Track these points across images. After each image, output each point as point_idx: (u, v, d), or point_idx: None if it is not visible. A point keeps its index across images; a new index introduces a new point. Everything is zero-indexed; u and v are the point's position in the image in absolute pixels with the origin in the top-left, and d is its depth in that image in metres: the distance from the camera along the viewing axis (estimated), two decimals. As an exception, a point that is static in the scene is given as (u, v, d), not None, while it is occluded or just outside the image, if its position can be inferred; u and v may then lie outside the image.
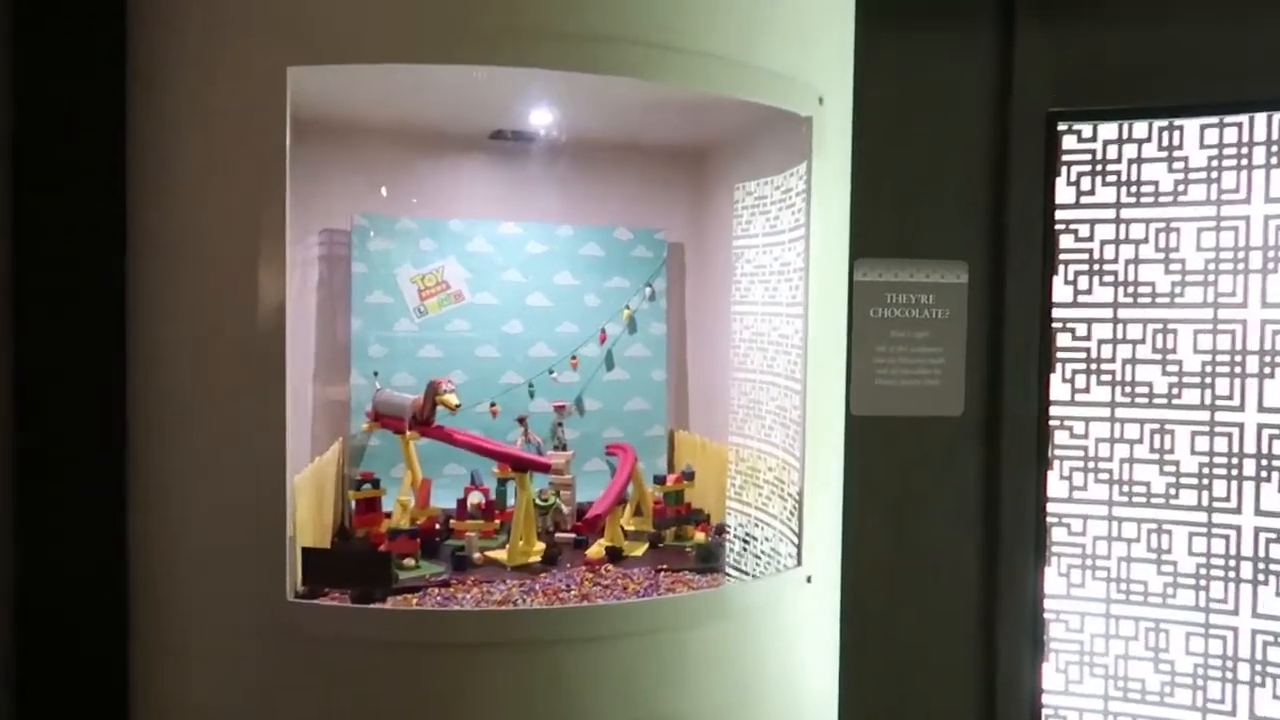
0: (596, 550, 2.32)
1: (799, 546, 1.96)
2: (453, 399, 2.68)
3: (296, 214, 1.75)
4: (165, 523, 1.79)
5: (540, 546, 2.29)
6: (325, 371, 3.03)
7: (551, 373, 3.02)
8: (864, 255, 2.58)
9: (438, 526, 2.41)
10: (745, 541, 2.31)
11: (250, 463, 1.70)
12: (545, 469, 2.60)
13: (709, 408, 2.98)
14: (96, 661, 2.19)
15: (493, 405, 3.13)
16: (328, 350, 3.05)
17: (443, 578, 2.11)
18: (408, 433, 2.78)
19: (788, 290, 2.12)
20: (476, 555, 2.23)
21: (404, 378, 3.06)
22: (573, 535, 2.45)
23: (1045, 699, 2.81)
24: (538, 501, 2.70)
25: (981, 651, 2.68)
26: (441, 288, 2.86)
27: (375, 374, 3.00)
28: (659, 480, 2.62)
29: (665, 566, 2.23)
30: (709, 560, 2.55)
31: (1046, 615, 2.80)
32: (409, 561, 2.18)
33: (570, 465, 2.76)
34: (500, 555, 2.26)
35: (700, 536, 2.49)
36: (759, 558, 2.29)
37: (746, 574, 2.25)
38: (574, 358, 3.08)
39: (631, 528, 2.60)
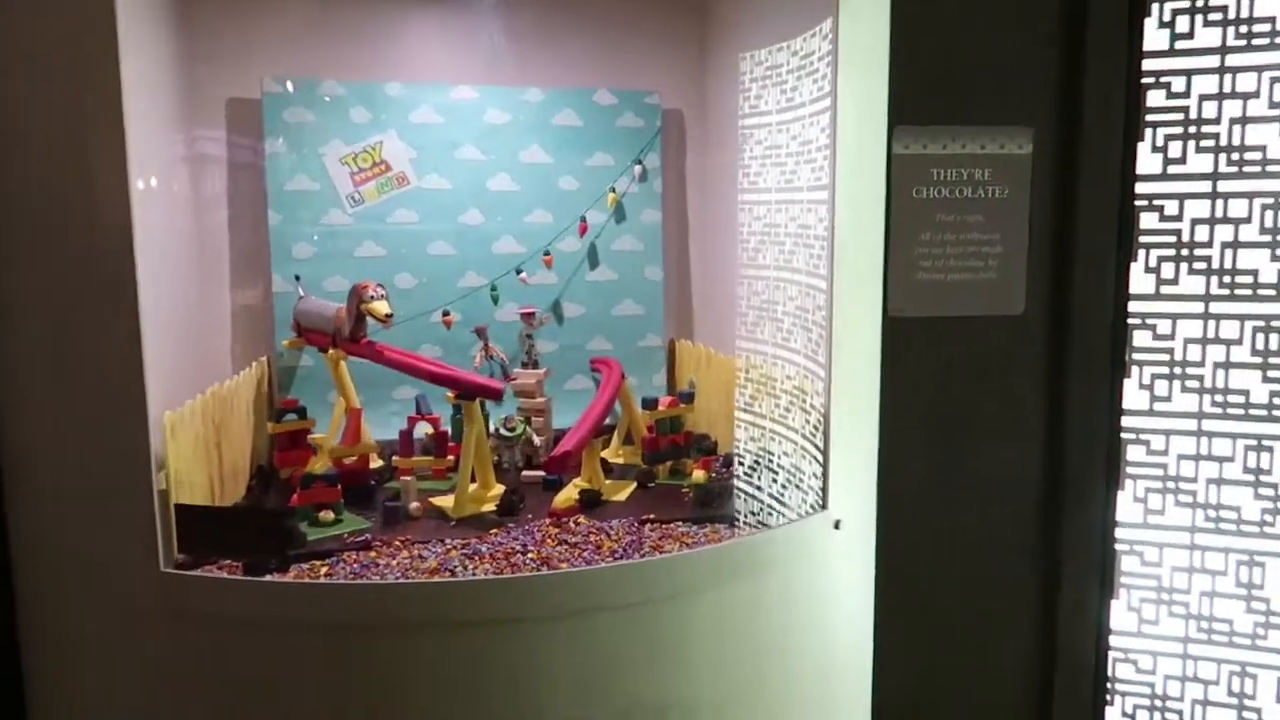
0: (566, 496, 1.81)
1: (824, 486, 1.49)
2: (381, 307, 2.13)
3: (188, 83, 1.32)
4: (35, 490, 1.46)
5: (497, 491, 1.77)
6: (242, 277, 2.49)
7: (520, 272, 2.48)
8: (905, 123, 1.97)
9: (374, 467, 1.90)
10: (755, 475, 1.79)
11: (104, 399, 1.38)
12: (495, 395, 2.07)
13: (715, 313, 2.50)
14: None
15: (446, 315, 2.58)
16: (243, 252, 2.50)
17: (364, 536, 1.60)
18: (332, 350, 2.24)
19: (809, 173, 1.78)
20: (414, 505, 1.72)
21: (337, 282, 2.51)
22: (542, 475, 1.92)
23: (1114, 640, 2.31)
24: (503, 431, 2.18)
25: (1041, 589, 2.18)
26: (380, 169, 2.30)
27: (297, 278, 2.45)
28: (649, 404, 2.07)
29: (651, 517, 1.72)
30: (709, 506, 2.05)
31: (1118, 547, 2.28)
32: (326, 515, 1.67)
33: (544, 385, 2.22)
34: (445, 503, 1.74)
35: (700, 475, 1.96)
36: (776, 498, 1.76)
37: (759, 521, 1.74)
38: (547, 254, 2.50)
39: (620, 460, 2.07)
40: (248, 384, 2.15)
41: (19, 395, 1.40)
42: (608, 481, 2.05)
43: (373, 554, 1.65)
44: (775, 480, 1.89)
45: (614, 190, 2.55)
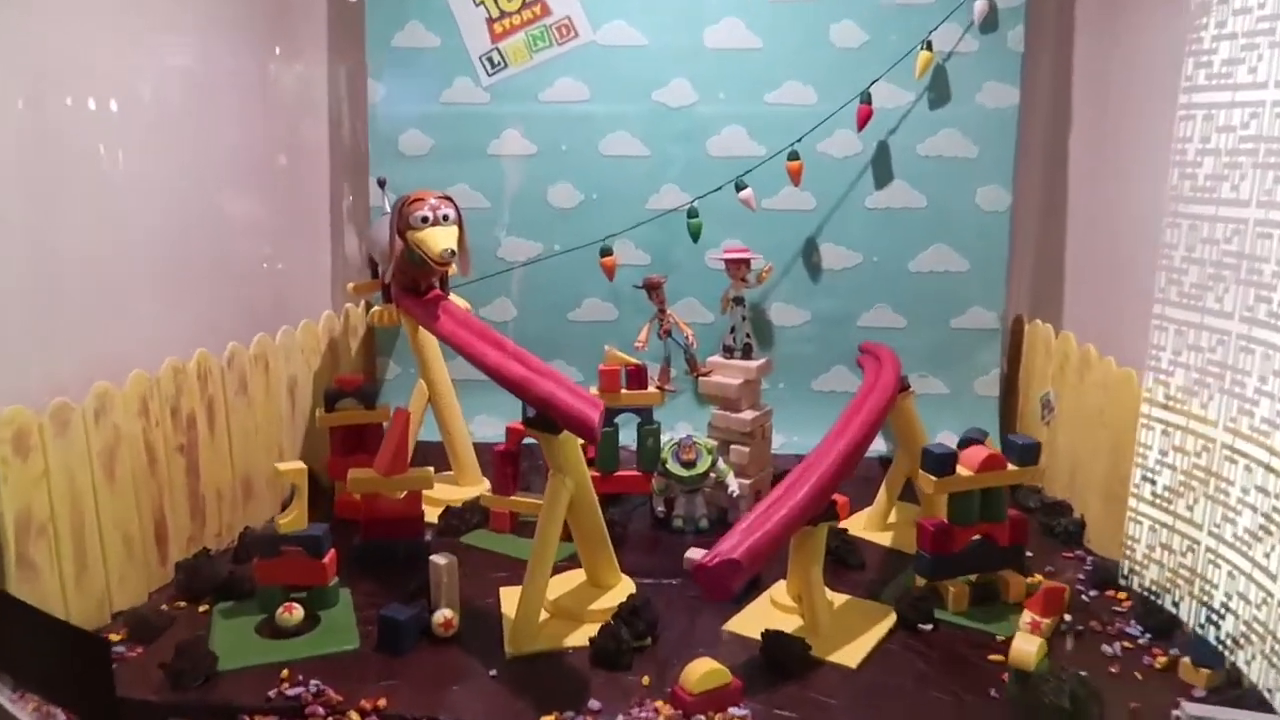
0: (707, 672, 0.83)
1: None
2: (434, 237, 1.17)
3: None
4: None
5: (610, 597, 1.16)
6: (318, 182, 1.68)
7: (742, 188, 1.63)
8: None
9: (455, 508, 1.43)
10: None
11: None
12: (587, 432, 1.01)
13: (1109, 281, 1.54)
14: None
15: (605, 254, 1.57)
16: (342, 149, 1.74)
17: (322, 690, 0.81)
18: (379, 306, 1.36)
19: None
20: (443, 614, 0.88)
21: (463, 192, 1.62)
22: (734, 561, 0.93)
23: None
24: (673, 466, 1.43)
25: None
26: (533, 13, 1.62)
27: (381, 185, 1.57)
28: (936, 463, 1.22)
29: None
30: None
31: None
32: (290, 613, 1.13)
33: (759, 387, 1.56)
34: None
35: (1025, 629, 0.97)
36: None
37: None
38: (795, 157, 1.66)
39: (881, 537, 1.42)
40: (298, 345, 1.54)
41: None
42: (838, 602, 1.04)
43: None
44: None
45: (928, 47, 1.56)
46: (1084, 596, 1.23)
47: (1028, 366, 1.68)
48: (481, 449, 1.54)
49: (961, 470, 1.16)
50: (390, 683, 1.01)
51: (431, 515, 1.42)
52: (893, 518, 1.46)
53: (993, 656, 1.09)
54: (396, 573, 1.22)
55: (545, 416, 1.04)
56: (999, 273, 1.68)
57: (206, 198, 1.35)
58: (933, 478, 1.15)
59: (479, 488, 1.47)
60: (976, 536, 1.19)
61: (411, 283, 1.30)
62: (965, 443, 1.43)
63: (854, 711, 0.98)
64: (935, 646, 1.12)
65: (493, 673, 1.05)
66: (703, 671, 0.97)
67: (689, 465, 1.40)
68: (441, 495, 1.48)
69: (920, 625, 1.14)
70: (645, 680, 1.03)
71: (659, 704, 0.98)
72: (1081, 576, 1.31)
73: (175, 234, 1.28)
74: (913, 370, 1.47)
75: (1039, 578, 1.25)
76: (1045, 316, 1.64)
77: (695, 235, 1.56)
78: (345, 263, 1.72)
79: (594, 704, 0.98)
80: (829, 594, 1.17)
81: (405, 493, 1.30)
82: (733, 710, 0.96)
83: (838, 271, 1.68)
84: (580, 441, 1.08)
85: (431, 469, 1.31)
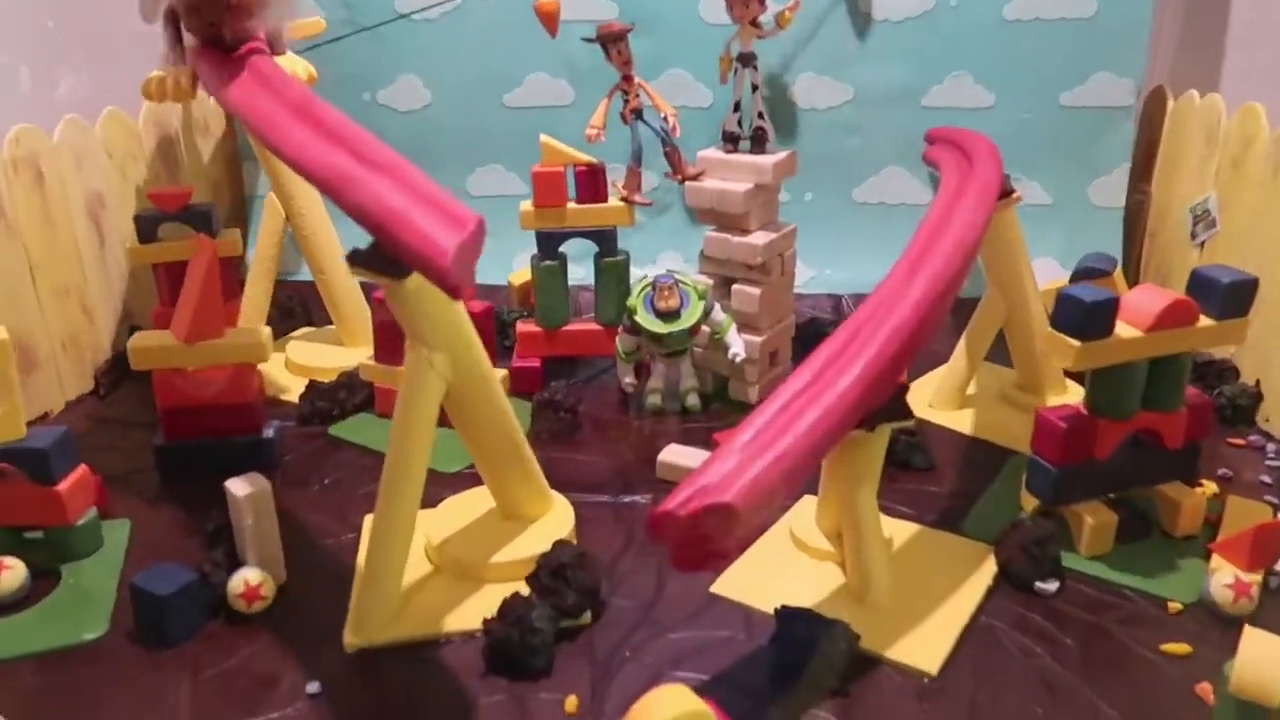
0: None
1: None
2: None
3: None
4: None
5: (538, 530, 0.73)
6: None
7: None
8: None
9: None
10: None
11: None
12: (438, 275, 0.52)
13: None
14: None
15: None
16: None
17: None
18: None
19: None
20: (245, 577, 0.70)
21: None
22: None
23: None
24: (656, 326, 0.97)
25: None
26: None
27: None
28: (1082, 316, 0.70)
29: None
30: None
31: None
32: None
33: (776, 198, 1.04)
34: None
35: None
36: None
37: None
38: None
39: (960, 420, 0.99)
40: (101, 145, 1.09)
41: None
42: (898, 537, 0.76)
43: None
44: None
45: None
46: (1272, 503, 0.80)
47: (1170, 161, 1.16)
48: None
49: (1124, 329, 0.69)
50: (123, 710, 0.60)
51: (293, 394, 1.01)
52: (972, 388, 1.00)
53: (1168, 648, 0.65)
54: (213, 499, 0.76)
55: (381, 247, 0.57)
56: (1141, 19, 1.15)
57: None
58: (1074, 340, 0.67)
59: (367, 351, 1.01)
60: (1132, 434, 0.74)
61: (206, 27, 0.80)
62: (1081, 275, 0.98)
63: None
64: (1067, 623, 0.67)
65: (312, 689, 0.62)
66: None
67: (669, 316, 0.94)
68: (312, 363, 1.05)
69: (1039, 584, 0.69)
70: (570, 705, 0.60)
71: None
72: (1266, 479, 0.86)
73: None
74: (1005, 168, 0.98)
75: (1211, 486, 0.80)
76: (1205, 85, 1.11)
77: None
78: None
79: None
80: (885, 523, 0.72)
81: (229, 367, 0.86)
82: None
83: (897, 24, 1.19)
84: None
85: (265, 330, 0.86)
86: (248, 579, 0.67)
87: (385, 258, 0.58)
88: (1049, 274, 1.12)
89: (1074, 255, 1.06)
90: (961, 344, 0.99)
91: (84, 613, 0.68)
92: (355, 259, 0.60)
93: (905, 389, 0.67)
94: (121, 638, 0.67)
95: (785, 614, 0.64)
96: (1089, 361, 0.69)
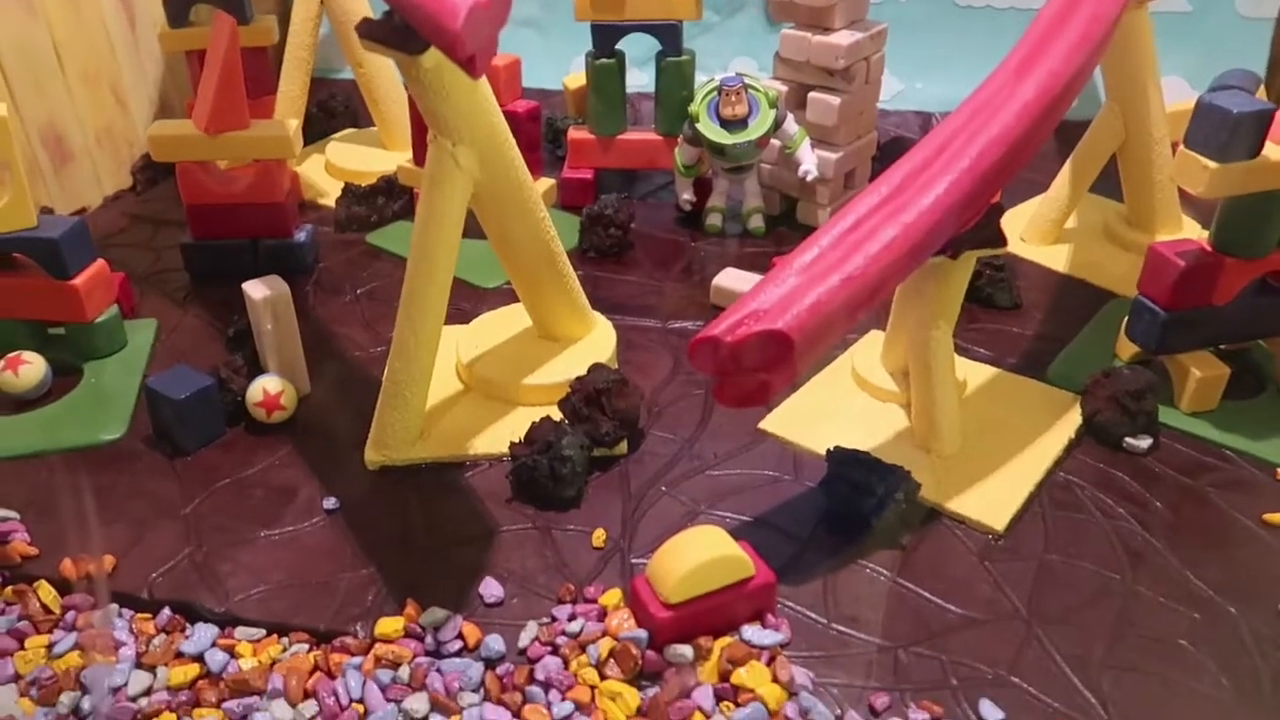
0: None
1: None
2: None
3: None
4: None
5: (570, 355, 0.67)
6: None
7: None
8: None
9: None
10: None
11: None
12: (449, 42, 0.44)
13: None
14: None
15: None
16: None
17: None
18: None
19: None
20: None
21: None
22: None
23: None
24: (720, 137, 0.87)
25: None
26: None
27: None
28: (1225, 129, 0.60)
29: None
30: None
31: None
32: (11, 375, 0.67)
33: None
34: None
35: None
36: None
37: None
38: None
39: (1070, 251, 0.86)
40: None
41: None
42: (973, 380, 0.69)
43: None
44: None
45: None
46: None
47: None
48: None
49: (1274, 150, 0.58)
50: (137, 514, 0.58)
51: (332, 198, 0.95)
52: (1072, 222, 0.89)
53: (1272, 517, 0.58)
54: (242, 303, 0.70)
55: (394, 14, 0.49)
56: None
57: None
58: (1209, 161, 0.57)
59: (408, 154, 0.94)
60: (1259, 277, 0.64)
61: None
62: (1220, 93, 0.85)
63: (994, 646, 0.50)
64: (1157, 485, 0.60)
65: (330, 504, 0.60)
66: (691, 566, 0.48)
67: (735, 125, 0.84)
68: (352, 165, 0.99)
69: (1129, 440, 0.63)
70: (599, 538, 0.57)
71: (612, 603, 0.52)
72: None
73: None
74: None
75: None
76: None
77: None
78: None
79: (491, 590, 0.53)
80: (960, 364, 0.66)
81: (252, 162, 0.80)
82: (764, 639, 0.50)
83: None
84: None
85: (294, 123, 0.80)
86: (266, 387, 0.64)
87: (398, 27, 0.50)
88: (1177, 94, 0.98)
89: (1208, 74, 0.91)
90: (1065, 170, 0.87)
91: (103, 413, 0.66)
92: (366, 30, 0.52)
93: (1000, 210, 0.58)
94: (138, 441, 0.64)
95: (838, 456, 0.58)
96: (1227, 188, 0.58)
